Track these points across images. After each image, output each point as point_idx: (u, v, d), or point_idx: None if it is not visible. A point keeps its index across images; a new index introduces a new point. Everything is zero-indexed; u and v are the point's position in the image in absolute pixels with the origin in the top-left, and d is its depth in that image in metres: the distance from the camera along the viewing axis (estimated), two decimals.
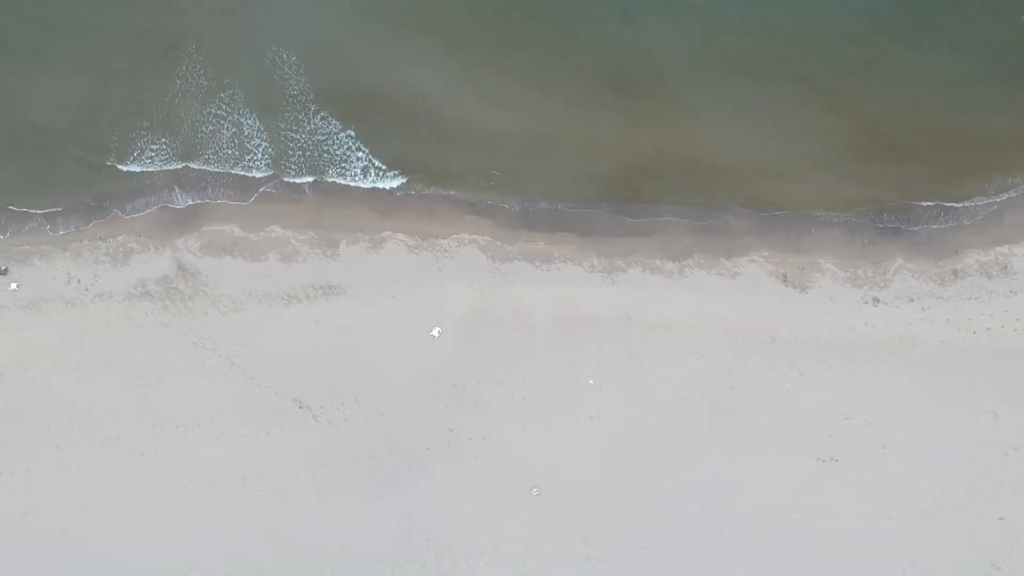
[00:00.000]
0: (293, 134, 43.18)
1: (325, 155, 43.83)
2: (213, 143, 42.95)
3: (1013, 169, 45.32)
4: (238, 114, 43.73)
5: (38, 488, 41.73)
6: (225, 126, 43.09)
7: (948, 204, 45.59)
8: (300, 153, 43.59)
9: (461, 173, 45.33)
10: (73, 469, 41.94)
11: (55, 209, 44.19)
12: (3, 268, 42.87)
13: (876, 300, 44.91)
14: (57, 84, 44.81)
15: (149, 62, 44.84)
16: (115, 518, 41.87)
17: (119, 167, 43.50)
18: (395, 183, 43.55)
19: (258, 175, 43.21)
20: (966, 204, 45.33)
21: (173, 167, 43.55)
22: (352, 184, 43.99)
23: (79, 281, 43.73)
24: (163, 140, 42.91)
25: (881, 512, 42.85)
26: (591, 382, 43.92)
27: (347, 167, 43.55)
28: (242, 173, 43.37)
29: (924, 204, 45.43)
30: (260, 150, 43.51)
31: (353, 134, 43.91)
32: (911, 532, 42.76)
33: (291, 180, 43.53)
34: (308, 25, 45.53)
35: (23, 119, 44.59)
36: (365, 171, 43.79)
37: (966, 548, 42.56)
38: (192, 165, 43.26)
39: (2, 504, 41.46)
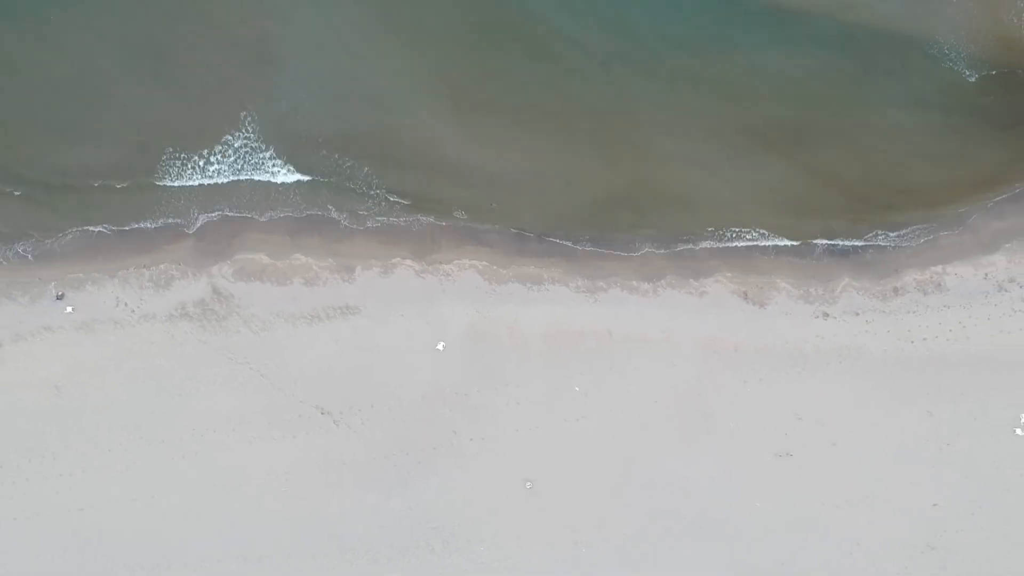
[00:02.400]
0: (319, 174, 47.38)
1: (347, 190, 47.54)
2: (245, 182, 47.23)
3: (945, 201, 49.25)
4: (263, 152, 47.36)
5: (93, 486, 44.41)
6: (254, 165, 47.31)
7: (889, 231, 49.11)
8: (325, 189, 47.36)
9: (462, 204, 48.33)
10: (123, 470, 44.70)
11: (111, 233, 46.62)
12: (60, 293, 45.78)
13: (826, 315, 48.11)
14: (100, 123, 47.68)
15: (188, 105, 47.82)
16: (160, 512, 44.53)
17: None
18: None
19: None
20: (905, 231, 48.99)
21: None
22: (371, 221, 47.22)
23: (126, 304, 46.40)
24: (197, 180, 47.09)
25: (831, 500, 45.84)
26: (577, 389, 46.60)
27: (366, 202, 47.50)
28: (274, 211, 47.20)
29: (868, 231, 48.98)
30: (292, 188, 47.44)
31: (368, 171, 47.57)
32: (857, 517, 45.76)
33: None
34: (326, 80, 48.48)
35: (74, 154, 47.35)
36: (379, 205, 47.49)
37: (905, 530, 45.85)
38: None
39: (62, 500, 44.13)
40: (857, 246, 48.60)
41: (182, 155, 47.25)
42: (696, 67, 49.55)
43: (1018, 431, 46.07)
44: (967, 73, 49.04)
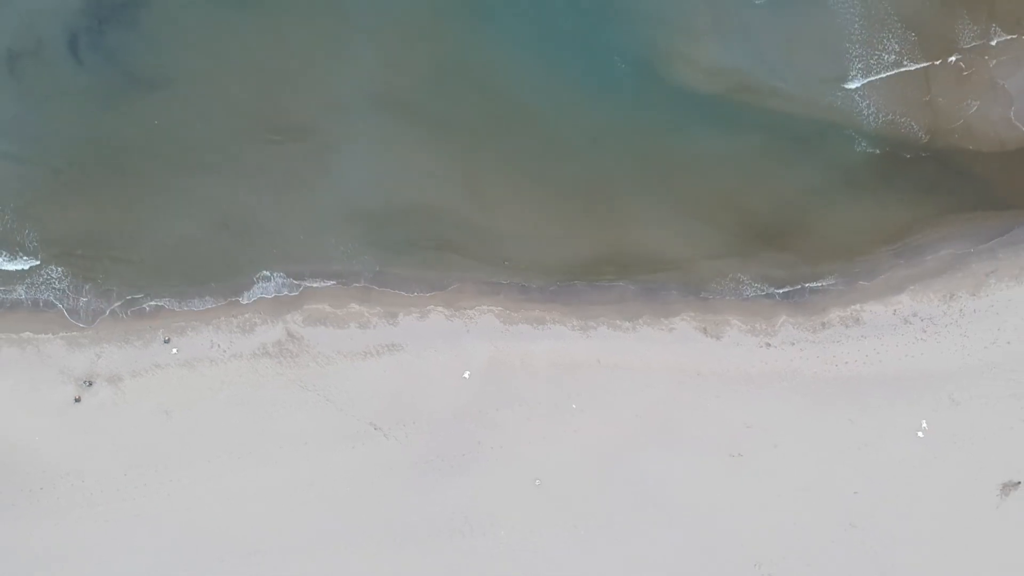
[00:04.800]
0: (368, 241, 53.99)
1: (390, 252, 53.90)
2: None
3: (861, 254, 54.27)
4: (324, 228, 54.16)
5: (198, 490, 51.28)
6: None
7: (817, 278, 54.05)
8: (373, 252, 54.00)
9: (481, 263, 54.22)
10: (220, 478, 51.43)
11: (206, 299, 53.84)
12: (167, 338, 53.10)
13: (768, 344, 52.85)
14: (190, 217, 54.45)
15: (265, 193, 54.50)
16: (250, 510, 51.30)
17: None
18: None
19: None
20: (829, 278, 53.94)
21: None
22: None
23: (219, 346, 52.77)
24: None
25: (772, 491, 51.09)
26: (574, 406, 51.99)
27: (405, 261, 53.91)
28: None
29: (801, 278, 54.00)
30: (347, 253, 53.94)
31: (406, 238, 54.01)
32: (793, 504, 50.91)
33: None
34: (374, 170, 54.43)
35: (178, 240, 54.73)
36: (416, 264, 53.80)
37: (832, 513, 50.96)
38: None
39: (173, 501, 51.13)
40: (793, 290, 53.93)
41: (263, 235, 55.27)
42: (660, 147, 55.04)
43: (919, 434, 51.58)
44: (874, 152, 54.30)
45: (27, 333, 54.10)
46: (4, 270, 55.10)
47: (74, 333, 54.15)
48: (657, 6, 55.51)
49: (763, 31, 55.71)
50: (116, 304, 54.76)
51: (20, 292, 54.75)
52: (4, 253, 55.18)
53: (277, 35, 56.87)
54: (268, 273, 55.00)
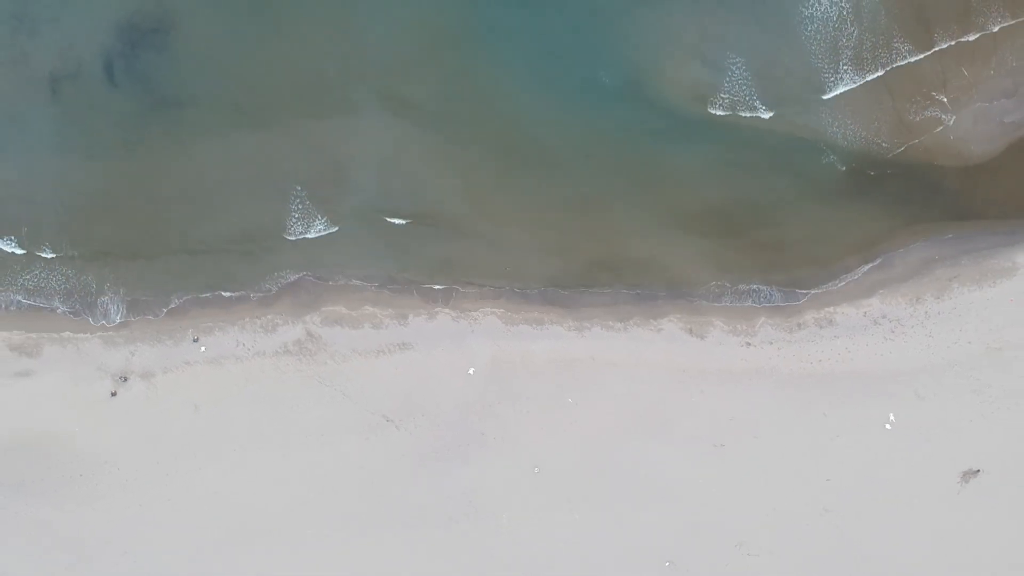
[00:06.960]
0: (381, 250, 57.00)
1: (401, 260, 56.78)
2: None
3: (834, 259, 56.08)
4: (341, 236, 56.96)
5: (224, 476, 54.33)
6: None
7: (794, 283, 56.23)
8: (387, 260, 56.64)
9: (484, 269, 56.13)
10: (244, 466, 54.40)
11: (232, 295, 56.68)
12: (196, 337, 56.08)
13: (748, 344, 55.06)
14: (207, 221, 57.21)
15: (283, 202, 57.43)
16: (271, 495, 54.25)
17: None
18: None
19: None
20: (805, 282, 55.75)
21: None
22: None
23: (243, 344, 55.08)
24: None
25: (752, 478, 53.45)
26: (570, 400, 54.25)
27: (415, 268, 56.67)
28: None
29: (779, 283, 55.94)
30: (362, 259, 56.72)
31: (415, 247, 56.77)
32: (772, 491, 53.50)
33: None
34: (387, 182, 57.07)
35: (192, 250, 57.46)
36: (424, 270, 56.41)
37: (807, 498, 53.58)
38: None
39: (200, 487, 54.22)
40: (771, 294, 55.97)
41: (277, 243, 58.46)
42: (650, 161, 56.62)
43: (887, 426, 53.94)
44: (845, 167, 56.41)
45: (67, 333, 57.62)
46: (43, 277, 58.93)
47: (110, 333, 57.45)
48: (646, 34, 58.89)
49: (743, 54, 59.03)
50: (148, 306, 58.45)
51: (59, 297, 58.28)
52: (42, 262, 58.79)
53: (294, 56, 59.91)
54: (290, 276, 58.23)
